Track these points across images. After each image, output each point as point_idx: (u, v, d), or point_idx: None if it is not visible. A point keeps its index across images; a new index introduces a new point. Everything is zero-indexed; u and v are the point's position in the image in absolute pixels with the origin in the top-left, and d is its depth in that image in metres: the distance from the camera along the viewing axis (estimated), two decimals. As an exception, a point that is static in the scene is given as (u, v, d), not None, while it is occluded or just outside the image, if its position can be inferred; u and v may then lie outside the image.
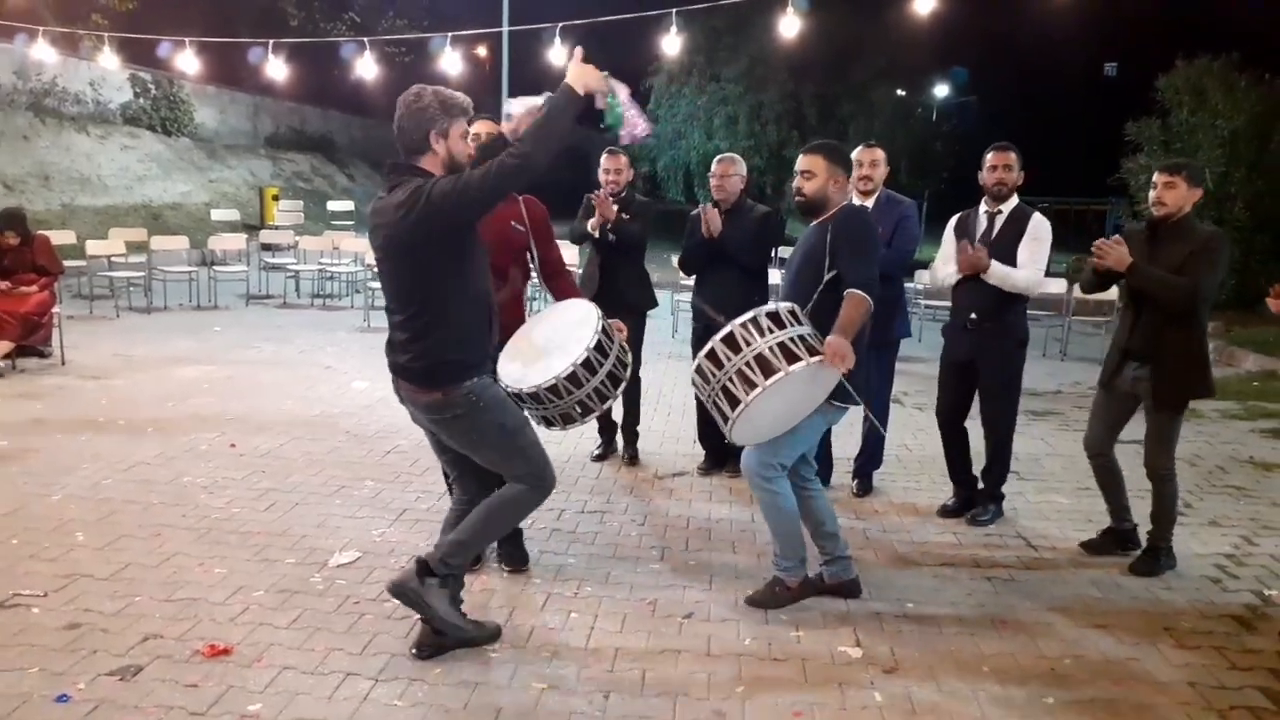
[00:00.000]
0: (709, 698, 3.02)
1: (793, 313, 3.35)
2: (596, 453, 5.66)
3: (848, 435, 5.36)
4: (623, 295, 5.26)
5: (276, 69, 10.47)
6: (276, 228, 16.32)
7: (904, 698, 3.05)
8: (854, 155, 4.84)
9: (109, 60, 11.91)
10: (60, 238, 12.22)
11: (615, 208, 5.17)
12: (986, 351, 4.56)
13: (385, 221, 2.98)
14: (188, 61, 10.59)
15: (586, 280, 5.44)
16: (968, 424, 4.80)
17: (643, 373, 5.57)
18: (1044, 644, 3.45)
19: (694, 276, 5.42)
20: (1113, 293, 7.40)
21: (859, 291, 3.38)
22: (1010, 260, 4.44)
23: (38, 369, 7.59)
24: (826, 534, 3.74)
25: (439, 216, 2.87)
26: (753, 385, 3.19)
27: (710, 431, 5.33)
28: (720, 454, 5.39)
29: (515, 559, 3.99)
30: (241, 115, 24.17)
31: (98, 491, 4.75)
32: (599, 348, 3.36)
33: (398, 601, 3.20)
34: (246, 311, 11.32)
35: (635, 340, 5.42)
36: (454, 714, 2.87)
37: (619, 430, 5.68)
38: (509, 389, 3.36)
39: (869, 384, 3.85)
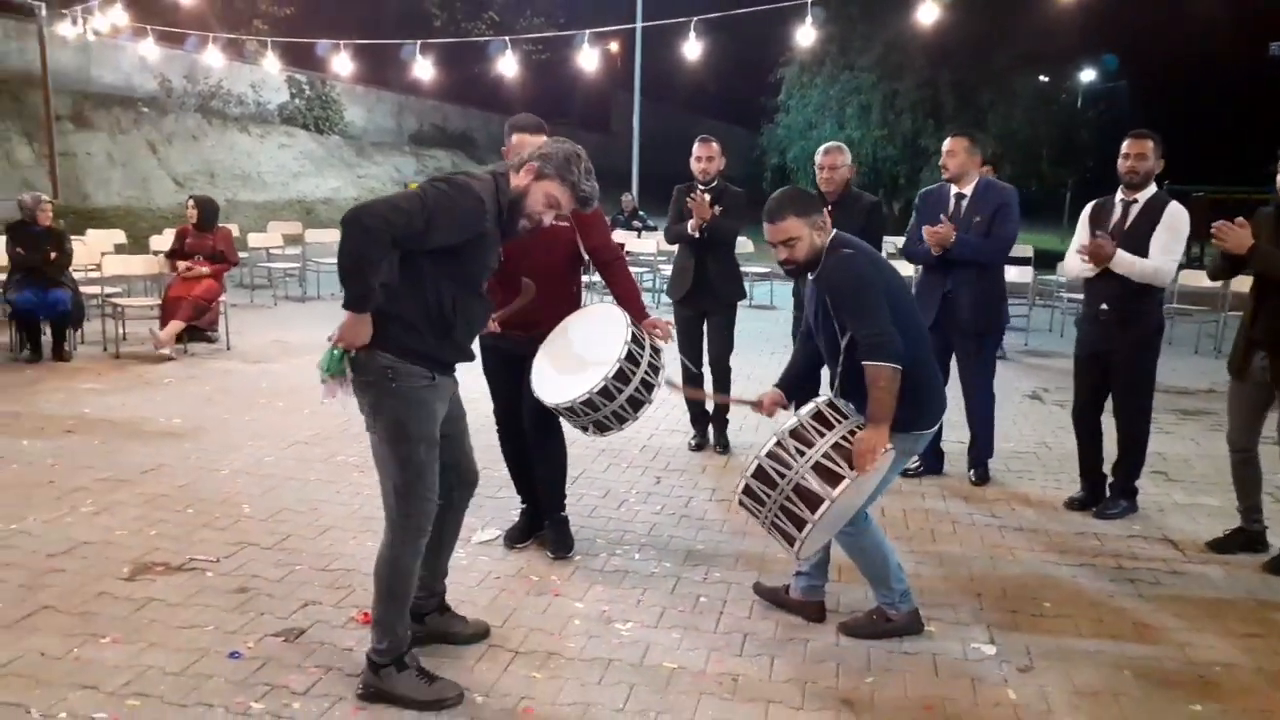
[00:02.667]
0: (837, 686, 3.04)
1: (832, 405, 3.12)
2: (693, 443, 5.72)
3: (961, 425, 5.28)
4: (714, 288, 5.38)
5: (423, 69, 10.92)
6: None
7: (1039, 697, 3.00)
8: (945, 145, 4.97)
9: (271, 64, 12.67)
10: (224, 231, 13.11)
11: (708, 200, 5.22)
12: (1118, 343, 4.45)
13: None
14: (342, 63, 11.15)
15: (678, 274, 5.53)
16: (1106, 419, 4.67)
17: (735, 361, 5.66)
18: (1191, 650, 3.32)
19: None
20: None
21: (874, 362, 2.99)
22: (1143, 250, 4.30)
23: (206, 353, 8.19)
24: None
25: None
26: (802, 523, 2.97)
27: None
28: None
29: (560, 545, 4.02)
30: (387, 114, 25.19)
31: (261, 467, 5.11)
32: (630, 357, 3.37)
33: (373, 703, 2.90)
34: (391, 301, 11.83)
35: (726, 329, 5.51)
36: (589, 688, 2.99)
37: (711, 421, 5.73)
38: (546, 403, 3.45)
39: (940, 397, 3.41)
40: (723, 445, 5.68)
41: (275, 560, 3.92)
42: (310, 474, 5.01)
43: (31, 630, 3.25)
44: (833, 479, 2.95)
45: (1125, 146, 4.42)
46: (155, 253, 8.97)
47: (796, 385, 3.58)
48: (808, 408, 3.12)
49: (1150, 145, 4.37)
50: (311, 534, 4.21)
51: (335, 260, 2.66)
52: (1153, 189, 4.42)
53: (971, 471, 5.20)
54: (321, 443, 5.58)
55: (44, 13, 11.21)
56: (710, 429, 5.74)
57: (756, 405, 3.49)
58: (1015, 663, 3.21)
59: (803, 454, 2.98)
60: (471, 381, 4.21)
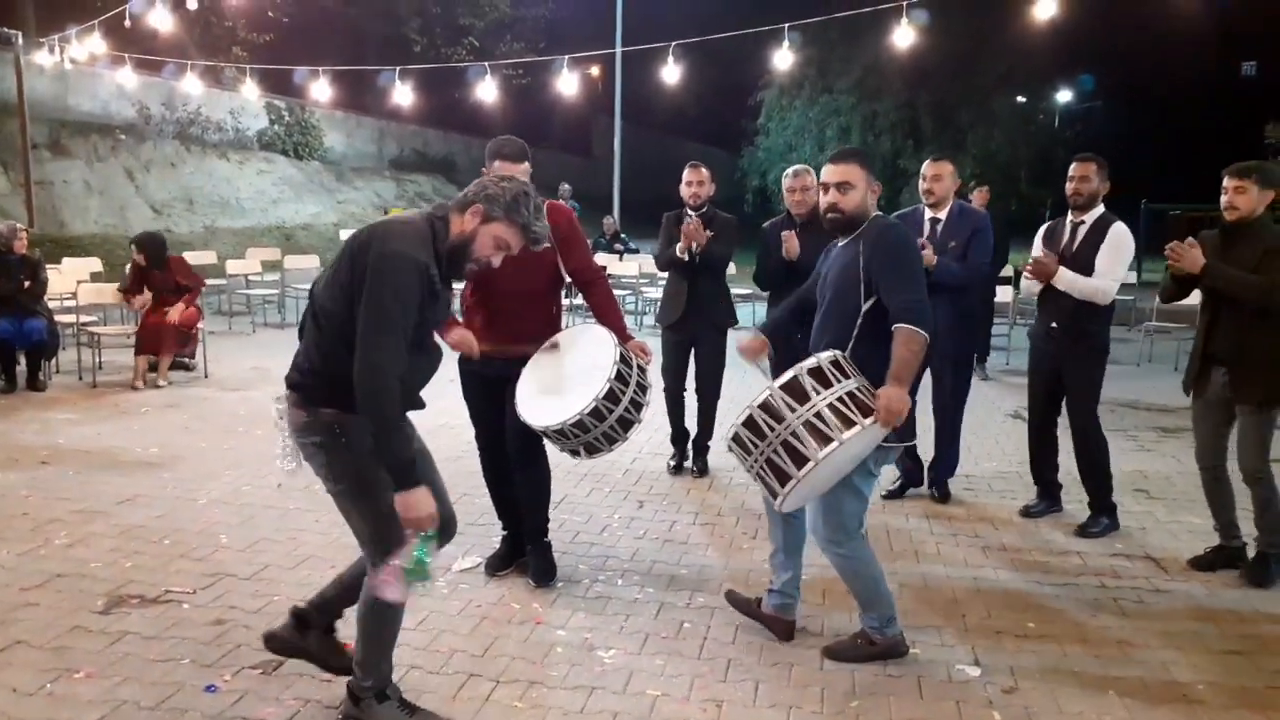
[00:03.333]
0: (822, 711, 3.02)
1: (836, 364, 3.02)
2: (672, 464, 5.71)
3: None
4: (706, 313, 5.43)
5: (403, 94, 10.95)
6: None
7: (1024, 717, 2.98)
8: (923, 169, 5.02)
9: (250, 90, 12.67)
10: (202, 258, 13.05)
11: (701, 225, 5.24)
12: (1068, 360, 4.58)
13: (377, 233, 2.65)
14: (320, 89, 11.16)
15: (670, 299, 5.54)
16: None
17: (726, 387, 5.67)
18: (1176, 669, 3.32)
19: (769, 293, 5.43)
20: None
21: (908, 326, 3.01)
22: (1091, 269, 4.42)
23: (183, 381, 8.11)
24: (791, 562, 3.52)
25: (365, 274, 2.56)
26: (803, 460, 2.89)
27: None
28: None
29: (542, 573, 3.97)
30: (368, 139, 25.23)
31: (239, 496, 5.05)
32: (619, 376, 3.36)
33: None
34: (372, 327, 11.78)
35: (717, 354, 5.52)
36: (570, 717, 2.96)
37: (689, 440, 5.74)
38: (535, 427, 3.41)
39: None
40: (700, 468, 5.67)
41: (253, 591, 3.87)
42: (289, 503, 4.95)
43: (4, 666, 3.19)
44: (845, 420, 2.89)
45: (1070, 170, 4.55)
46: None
47: (780, 333, 3.70)
48: (826, 355, 3.04)
49: (1094, 168, 4.50)
50: (290, 564, 4.16)
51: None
52: (1099, 210, 4.55)
53: (933, 489, 5.25)
54: (300, 472, 5.51)
55: (20, 41, 11.17)
56: (690, 450, 5.73)
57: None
58: (1000, 684, 3.20)
59: (818, 393, 2.91)
60: (454, 406, 4.21)
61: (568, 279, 3.93)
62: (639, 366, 3.50)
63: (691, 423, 5.70)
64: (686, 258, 5.29)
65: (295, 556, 4.24)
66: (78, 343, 8.30)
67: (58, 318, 8.09)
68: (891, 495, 5.18)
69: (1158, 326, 9.95)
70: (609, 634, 3.54)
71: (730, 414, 6.66)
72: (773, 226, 5.26)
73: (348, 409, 2.61)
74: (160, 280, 8.04)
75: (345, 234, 17.48)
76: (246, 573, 4.04)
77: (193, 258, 12.69)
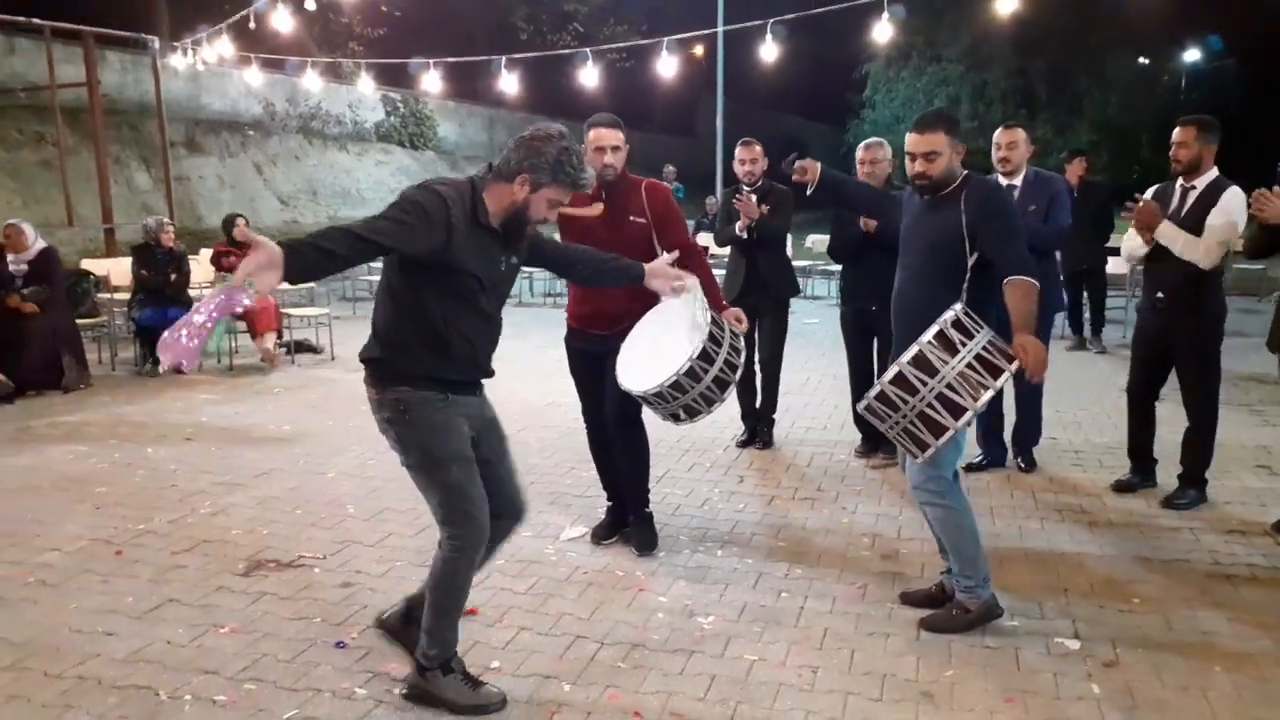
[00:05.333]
0: (917, 679, 3.08)
1: (968, 314, 3.06)
2: (741, 439, 5.80)
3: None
4: (767, 286, 5.50)
5: (510, 83, 11.23)
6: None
7: (1124, 692, 2.98)
8: (995, 138, 4.97)
9: (365, 84, 13.19)
10: (326, 247, 13.68)
11: (755, 200, 5.30)
12: (1178, 332, 4.45)
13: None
14: (432, 81, 11.55)
15: (731, 276, 5.61)
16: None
17: (787, 360, 5.79)
18: (1289, 647, 3.25)
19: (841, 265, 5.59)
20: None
21: (1026, 279, 3.14)
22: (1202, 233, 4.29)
23: (311, 364, 8.60)
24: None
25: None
26: (960, 409, 2.96)
27: None
28: (878, 437, 5.42)
29: (645, 542, 4.13)
30: (479, 128, 25.84)
31: (364, 470, 5.37)
32: (712, 338, 3.43)
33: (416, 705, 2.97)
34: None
35: (779, 328, 5.57)
36: (671, 678, 3.10)
37: (758, 416, 5.85)
38: (633, 392, 3.52)
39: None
40: (766, 441, 5.76)
41: (377, 557, 4.14)
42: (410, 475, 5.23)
43: (159, 621, 3.52)
44: (993, 370, 2.97)
45: (1173, 134, 4.42)
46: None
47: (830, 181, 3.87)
48: (959, 307, 3.07)
49: (1194, 132, 4.34)
50: (411, 532, 4.43)
51: None
52: (1212, 174, 4.39)
53: (1019, 459, 5.25)
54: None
55: (157, 46, 11.90)
56: (757, 424, 5.85)
57: None
58: (1101, 657, 3.19)
59: (946, 363, 2.97)
60: (565, 385, 4.39)
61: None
62: (731, 330, 3.60)
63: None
64: (746, 235, 5.36)
65: (416, 525, 4.50)
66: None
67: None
68: (972, 468, 5.15)
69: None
70: (708, 601, 3.67)
71: (793, 385, 6.78)
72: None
73: (415, 386, 2.75)
74: (240, 258, 8.42)
75: (458, 220, 18.09)
76: (371, 540, 4.33)
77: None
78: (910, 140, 3.34)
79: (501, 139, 26.29)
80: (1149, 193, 4.63)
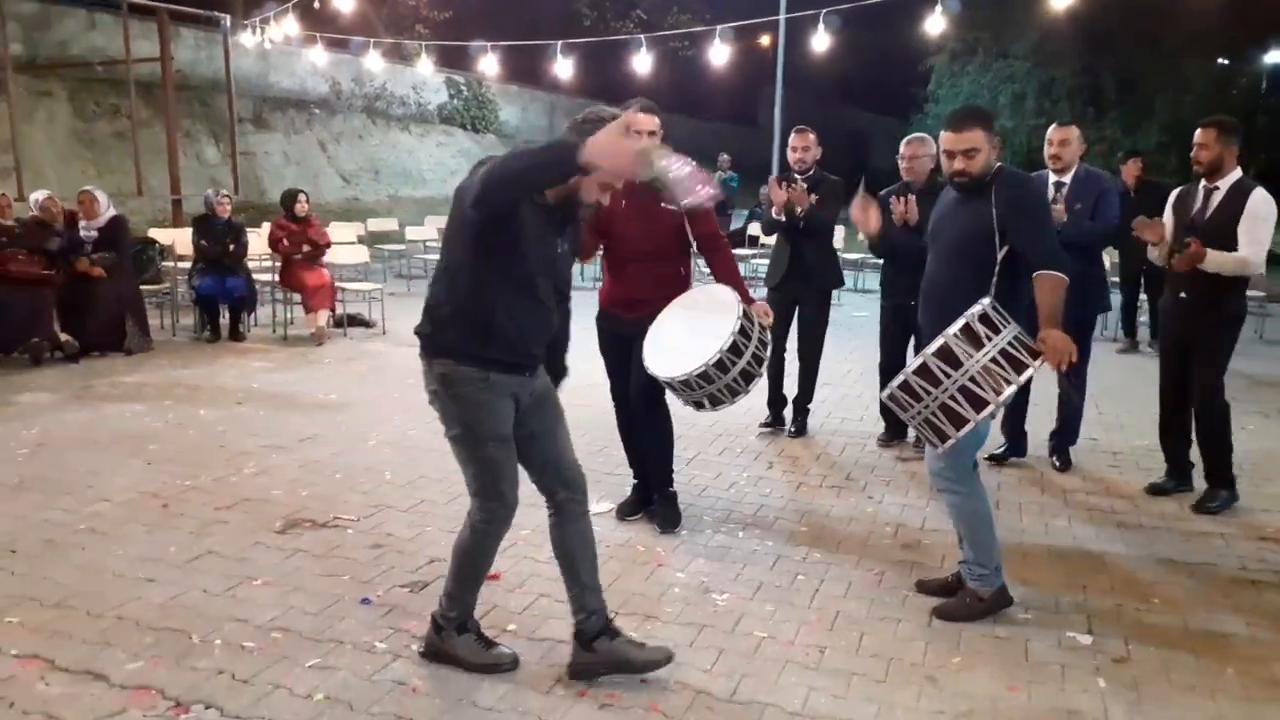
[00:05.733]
0: (924, 663, 3.11)
1: (996, 310, 3.08)
2: (765, 424, 5.84)
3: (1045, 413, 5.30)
4: (810, 275, 5.50)
5: (564, 68, 11.32)
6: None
7: (1130, 686, 2.98)
8: (1049, 135, 4.97)
9: (425, 66, 13.39)
10: (385, 224, 14.00)
11: (805, 189, 5.29)
12: (1196, 330, 4.44)
13: (468, 177, 2.74)
14: (490, 64, 11.70)
15: (775, 260, 5.63)
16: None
17: (826, 349, 5.81)
18: (1307, 653, 3.21)
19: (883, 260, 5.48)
20: None
21: (1054, 272, 3.16)
22: (1227, 236, 4.25)
23: (363, 337, 8.81)
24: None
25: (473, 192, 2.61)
26: (982, 403, 2.99)
27: None
28: (900, 427, 5.50)
29: (668, 520, 4.21)
30: (540, 113, 26.00)
31: (405, 439, 5.52)
32: (743, 331, 3.48)
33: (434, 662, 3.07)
34: (535, 292, 12.32)
35: (818, 318, 5.58)
36: (680, 649, 3.16)
37: (788, 404, 5.87)
38: (659, 378, 3.57)
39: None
40: (799, 428, 5.80)
41: (409, 521, 4.27)
42: (448, 446, 5.36)
43: (197, 571, 3.69)
44: (1017, 365, 2.99)
45: (1195, 137, 4.39)
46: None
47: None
48: (987, 302, 3.10)
49: (1214, 134, 4.32)
50: (443, 499, 4.55)
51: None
52: (1235, 175, 4.36)
53: (1054, 458, 5.22)
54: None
55: (228, 24, 12.24)
56: (789, 413, 5.87)
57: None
58: (1111, 653, 3.19)
59: (971, 356, 2.99)
60: (596, 363, 4.47)
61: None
62: (759, 324, 3.65)
63: (790, 385, 5.83)
64: (783, 218, 5.36)
65: (449, 493, 4.62)
66: (273, 300, 9.13)
67: (257, 277, 8.94)
68: (994, 459, 5.15)
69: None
70: (725, 580, 3.73)
71: (833, 376, 6.76)
72: (887, 194, 5.27)
73: (457, 361, 2.79)
74: (298, 235, 8.61)
75: (515, 203, 18.29)
76: (405, 505, 4.47)
77: (375, 224, 13.73)
78: (947, 139, 3.34)
79: (562, 124, 26.44)
80: (1171, 197, 4.59)
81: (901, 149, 5.23)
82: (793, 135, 5.56)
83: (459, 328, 2.79)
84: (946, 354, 3.02)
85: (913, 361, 3.12)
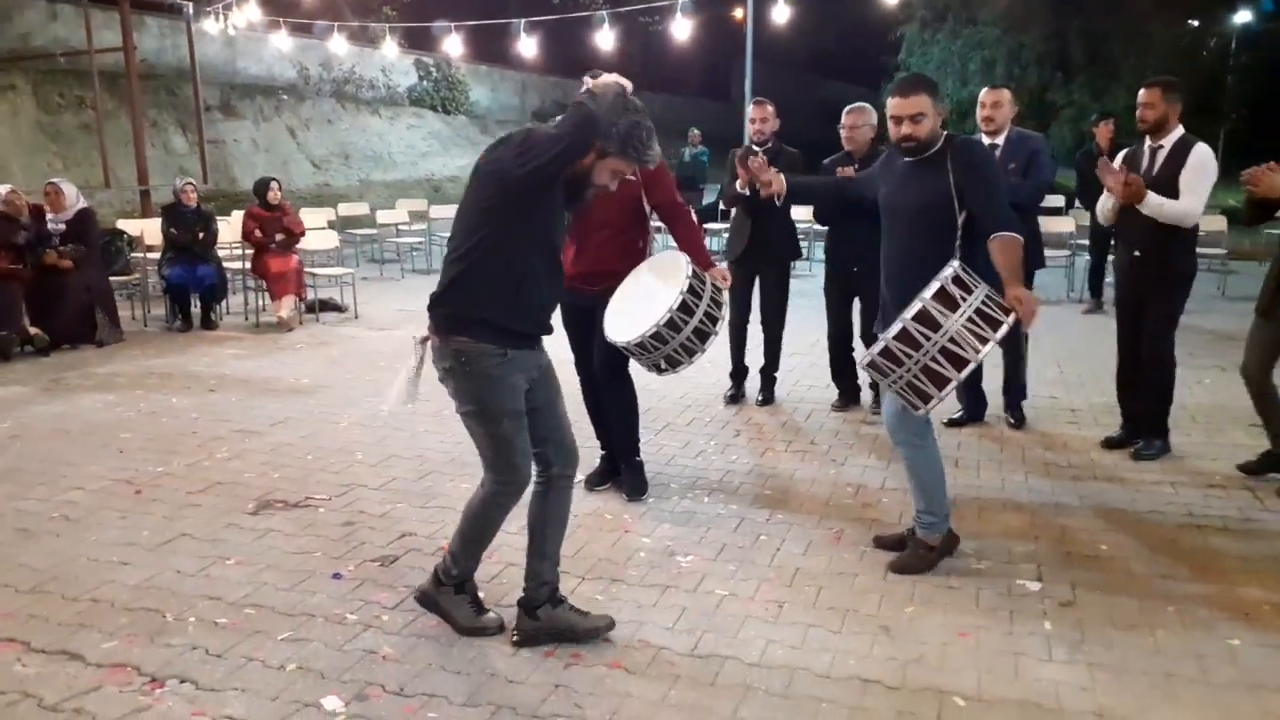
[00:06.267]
0: (878, 614, 3.22)
1: (966, 270, 3.14)
2: (729, 395, 5.92)
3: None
4: (771, 247, 5.59)
5: (528, 47, 11.32)
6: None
7: (1074, 627, 3.10)
8: (981, 97, 5.09)
9: (389, 49, 13.34)
10: (356, 209, 13.96)
11: (765, 161, 5.35)
12: (1150, 288, 4.56)
13: (494, 154, 2.89)
14: (454, 45, 11.68)
15: (735, 233, 5.70)
16: None
17: (790, 319, 5.88)
18: (1245, 592, 3.34)
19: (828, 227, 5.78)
20: None
21: (1009, 233, 3.24)
22: (1173, 192, 4.38)
23: (336, 321, 8.84)
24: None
25: (506, 164, 2.78)
26: (963, 361, 3.05)
27: (843, 370, 5.68)
28: (854, 393, 5.70)
29: (634, 488, 4.31)
30: (511, 92, 25.92)
31: (376, 420, 5.58)
32: (692, 290, 3.56)
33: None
34: (509, 272, 12.35)
35: (779, 287, 5.67)
36: (644, 609, 3.27)
37: (749, 375, 5.99)
38: (616, 343, 3.67)
39: None
40: (766, 398, 5.90)
41: (380, 499, 4.35)
42: (419, 426, 5.45)
43: (171, 553, 3.76)
44: (992, 323, 3.05)
45: (1139, 96, 4.52)
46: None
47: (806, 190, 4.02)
48: (956, 264, 3.15)
49: (1159, 93, 4.44)
50: (414, 477, 4.63)
51: None
52: (1178, 133, 4.49)
53: (1008, 414, 5.35)
54: (431, 398, 5.94)
55: (190, 11, 12.14)
56: (758, 383, 5.97)
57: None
58: (1058, 598, 3.31)
59: (948, 317, 3.05)
60: (560, 339, 4.54)
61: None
62: (713, 285, 3.71)
63: (755, 356, 5.93)
64: (748, 192, 5.42)
65: (420, 470, 4.70)
66: (244, 287, 9.14)
67: (227, 265, 8.94)
68: (954, 423, 5.27)
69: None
70: (689, 543, 3.83)
71: (801, 345, 6.84)
72: (831, 163, 5.36)
73: (475, 338, 2.86)
74: (272, 223, 8.63)
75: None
76: (376, 484, 4.54)
77: (347, 209, 13.68)
78: (893, 104, 3.38)
79: (534, 103, 26.36)
80: (1119, 157, 4.71)
81: (843, 118, 5.31)
82: (751, 107, 5.63)
83: (490, 299, 2.84)
84: (924, 317, 3.08)
85: (890, 329, 3.16)
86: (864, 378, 5.38)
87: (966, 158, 3.36)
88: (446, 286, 2.92)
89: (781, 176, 3.87)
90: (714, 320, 3.68)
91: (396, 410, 3.32)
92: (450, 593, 3.15)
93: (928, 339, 3.07)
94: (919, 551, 3.54)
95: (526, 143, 2.79)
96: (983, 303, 3.08)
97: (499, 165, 2.81)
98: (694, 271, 3.65)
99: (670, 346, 3.64)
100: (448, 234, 10.52)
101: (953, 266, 3.14)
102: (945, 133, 3.44)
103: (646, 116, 2.92)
